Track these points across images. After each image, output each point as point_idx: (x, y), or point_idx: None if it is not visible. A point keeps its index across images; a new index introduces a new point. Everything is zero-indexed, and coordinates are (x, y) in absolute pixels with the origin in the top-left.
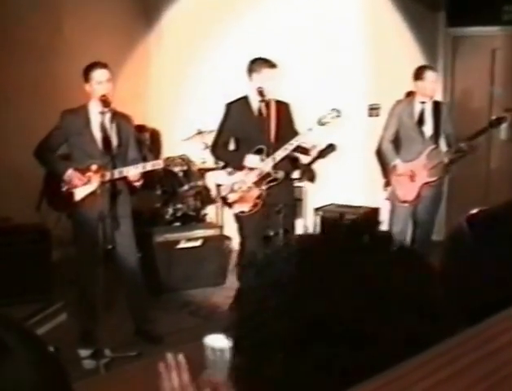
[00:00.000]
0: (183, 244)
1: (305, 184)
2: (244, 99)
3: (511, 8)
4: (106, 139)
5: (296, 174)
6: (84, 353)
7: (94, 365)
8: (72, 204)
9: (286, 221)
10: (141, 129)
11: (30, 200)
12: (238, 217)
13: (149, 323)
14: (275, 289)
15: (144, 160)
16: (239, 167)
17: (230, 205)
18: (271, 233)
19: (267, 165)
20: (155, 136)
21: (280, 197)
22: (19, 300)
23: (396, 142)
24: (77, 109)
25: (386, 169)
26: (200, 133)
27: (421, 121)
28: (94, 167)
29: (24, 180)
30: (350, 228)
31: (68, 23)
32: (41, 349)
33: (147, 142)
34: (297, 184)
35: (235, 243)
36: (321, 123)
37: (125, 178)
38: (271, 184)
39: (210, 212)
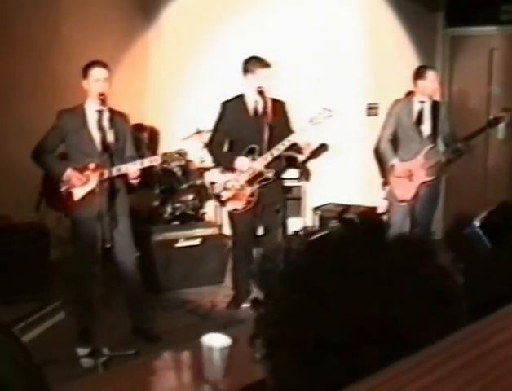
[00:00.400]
0: (181, 243)
1: (303, 183)
2: (240, 98)
3: (509, 8)
4: (103, 138)
5: (293, 174)
6: (82, 351)
7: (93, 363)
8: (72, 203)
9: (279, 220)
10: (139, 127)
11: (29, 199)
12: (231, 215)
13: (147, 322)
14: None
15: (142, 158)
16: (230, 169)
17: (223, 203)
18: (262, 231)
19: (259, 164)
20: (153, 135)
21: (270, 196)
22: (17, 298)
23: (394, 142)
24: (73, 108)
25: (384, 169)
26: (198, 132)
27: (419, 121)
28: (92, 165)
29: (23, 178)
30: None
31: (67, 21)
32: (13, 347)
33: (146, 140)
34: (295, 183)
35: None
36: (313, 123)
37: (123, 176)
38: (264, 183)
39: (209, 211)
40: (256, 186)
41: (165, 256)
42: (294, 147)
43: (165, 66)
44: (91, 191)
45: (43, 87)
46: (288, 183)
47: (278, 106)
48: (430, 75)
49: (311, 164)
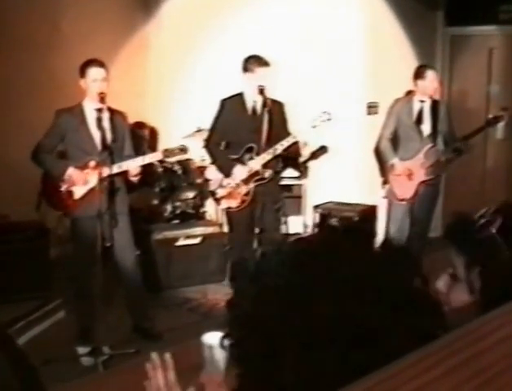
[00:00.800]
0: (182, 242)
1: (304, 181)
2: (239, 96)
3: (508, 8)
4: (103, 136)
5: (293, 172)
6: (82, 350)
7: (93, 362)
8: (72, 202)
9: (276, 219)
10: (140, 126)
11: (28, 198)
12: (228, 213)
13: (148, 321)
14: (268, 295)
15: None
16: (226, 172)
17: (218, 201)
18: (259, 230)
19: (256, 164)
20: (154, 133)
21: (268, 195)
22: (17, 297)
23: (394, 141)
24: (71, 107)
25: (384, 168)
26: (199, 130)
27: (419, 120)
28: (92, 164)
29: (22, 177)
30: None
31: (65, 18)
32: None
33: (147, 138)
34: (295, 182)
35: None
36: (312, 126)
37: (123, 174)
38: (259, 182)
39: (210, 209)
40: (252, 185)
41: (166, 254)
42: (292, 147)
43: (164, 64)
44: (91, 190)
45: (42, 85)
46: (288, 182)
47: (277, 106)
48: (430, 75)
49: (310, 163)
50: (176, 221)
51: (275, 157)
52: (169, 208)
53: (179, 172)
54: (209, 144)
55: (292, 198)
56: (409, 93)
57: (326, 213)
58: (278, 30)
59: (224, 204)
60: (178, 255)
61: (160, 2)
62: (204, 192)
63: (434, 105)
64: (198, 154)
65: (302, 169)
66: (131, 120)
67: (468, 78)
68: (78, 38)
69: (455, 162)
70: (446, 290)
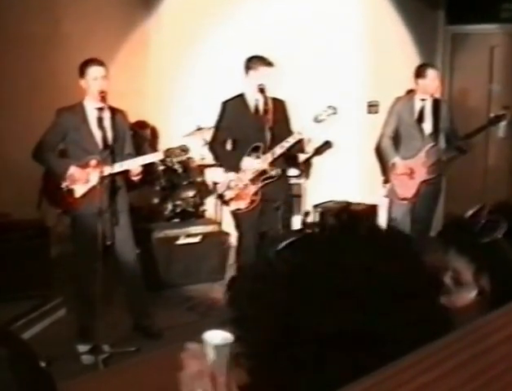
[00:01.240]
0: (182, 240)
1: (304, 181)
2: (241, 97)
3: (510, 6)
4: (104, 135)
5: (294, 171)
6: (83, 348)
7: (93, 360)
8: (73, 200)
9: (283, 218)
10: (142, 125)
11: (29, 196)
12: (235, 214)
13: (148, 319)
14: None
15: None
16: (235, 169)
17: (227, 203)
18: (267, 229)
19: (263, 163)
20: (155, 132)
21: (276, 194)
22: (18, 295)
23: (396, 140)
24: (72, 106)
25: (385, 167)
26: (199, 129)
27: (420, 119)
28: (93, 162)
29: (23, 176)
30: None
31: (66, 17)
32: (17, 347)
33: (148, 137)
34: (296, 181)
35: (234, 239)
36: (317, 120)
37: (124, 173)
38: (267, 181)
39: (209, 208)
40: (259, 184)
41: (166, 253)
42: (297, 144)
43: (164, 61)
44: (92, 188)
45: (43, 84)
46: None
47: (278, 105)
48: (431, 74)
49: (312, 160)
50: (176, 220)
51: (281, 155)
52: (169, 206)
53: (180, 171)
54: (213, 144)
55: (292, 197)
56: (410, 92)
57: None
58: (279, 28)
59: (233, 205)
60: (179, 253)
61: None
62: (204, 191)
63: (436, 104)
64: (198, 153)
65: (303, 168)
66: (132, 118)
67: (469, 77)
68: (79, 37)
69: (456, 161)
70: (446, 293)
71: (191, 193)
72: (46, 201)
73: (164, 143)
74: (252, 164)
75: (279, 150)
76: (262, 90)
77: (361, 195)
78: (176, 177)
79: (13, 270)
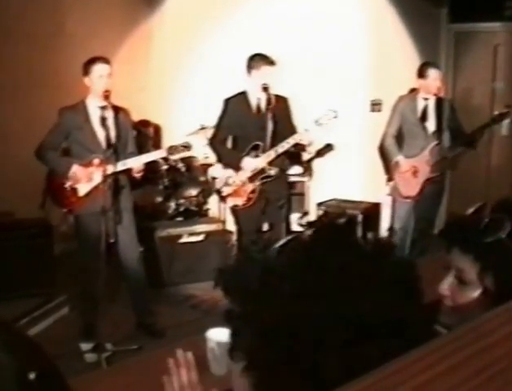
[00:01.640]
0: (185, 239)
1: (307, 179)
2: (243, 95)
3: None
4: (107, 134)
5: (297, 169)
6: (86, 346)
7: (96, 358)
8: (76, 199)
9: (282, 216)
10: (145, 123)
11: (33, 195)
12: (234, 211)
13: (151, 317)
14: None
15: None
16: (234, 167)
17: (224, 199)
18: (266, 227)
19: (262, 161)
20: (158, 132)
21: (277, 193)
22: (21, 294)
23: (399, 138)
24: (74, 105)
25: (389, 165)
26: (203, 128)
27: (424, 117)
28: (96, 161)
29: (27, 175)
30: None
31: (70, 16)
32: (13, 332)
33: (151, 137)
34: (299, 179)
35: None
36: (318, 123)
37: (127, 172)
38: (265, 180)
39: (213, 207)
40: (257, 182)
41: (169, 251)
42: (298, 145)
43: (167, 60)
44: (96, 187)
45: (46, 83)
46: (291, 179)
47: (281, 102)
48: (433, 73)
49: (315, 160)
50: (180, 219)
51: (281, 154)
52: (172, 205)
53: (183, 169)
54: (214, 142)
55: (295, 195)
56: (413, 90)
57: (330, 210)
58: (281, 26)
59: (230, 201)
60: (182, 252)
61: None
62: (207, 190)
63: (439, 103)
64: (201, 151)
65: (306, 166)
66: (135, 117)
67: (473, 75)
68: (82, 36)
69: (460, 159)
70: (450, 292)
71: (194, 192)
72: (50, 200)
73: (168, 142)
74: (251, 165)
75: (279, 149)
76: (265, 89)
77: (364, 193)
78: (179, 176)
79: (17, 269)
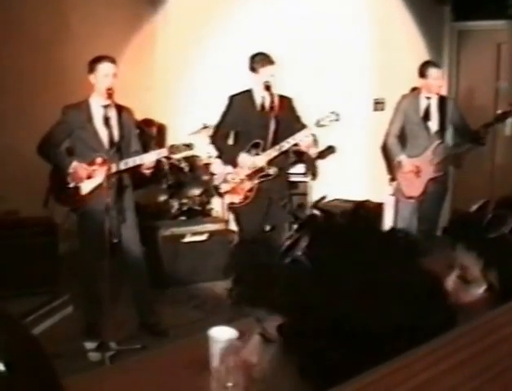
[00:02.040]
0: (188, 238)
1: (310, 179)
2: (249, 93)
3: None
4: (110, 133)
5: (300, 169)
6: (89, 345)
7: (100, 357)
8: (79, 198)
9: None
10: (148, 123)
11: (37, 194)
12: (232, 209)
13: (154, 317)
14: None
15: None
16: (232, 163)
17: (221, 195)
18: (268, 227)
19: (261, 160)
20: (162, 131)
21: (277, 192)
22: (25, 292)
23: (402, 138)
24: (78, 104)
25: (392, 165)
26: (205, 127)
27: (426, 117)
28: (99, 160)
29: (31, 173)
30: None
31: (74, 13)
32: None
33: (154, 136)
34: (302, 179)
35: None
36: (319, 125)
37: (130, 171)
38: (263, 179)
39: (216, 206)
40: (256, 181)
41: (172, 251)
42: (297, 145)
43: (171, 59)
44: (98, 186)
45: (51, 81)
46: (294, 179)
47: (285, 102)
48: (433, 73)
49: (317, 162)
50: (183, 218)
51: (282, 154)
52: (175, 204)
53: (186, 169)
54: (215, 137)
55: (298, 195)
56: (415, 89)
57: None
58: (284, 25)
59: (227, 198)
60: (185, 251)
61: None
62: (210, 189)
63: (442, 102)
64: (205, 151)
65: (310, 166)
66: (138, 116)
67: (476, 74)
68: (86, 33)
69: (465, 157)
70: (454, 290)
71: (197, 191)
72: (53, 199)
73: (171, 141)
74: (246, 162)
75: (278, 149)
76: (268, 88)
77: (367, 193)
78: (182, 175)
79: (21, 267)
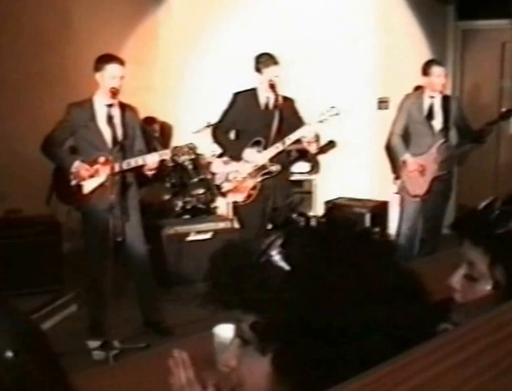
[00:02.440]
0: (192, 237)
1: (315, 177)
2: (253, 91)
3: None
4: (113, 132)
5: (304, 167)
6: (93, 344)
7: (104, 356)
8: (82, 197)
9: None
10: (151, 121)
11: (40, 192)
12: (235, 207)
13: (158, 315)
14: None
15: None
16: (236, 158)
17: (224, 194)
18: (270, 226)
19: (263, 158)
20: (165, 129)
21: (282, 189)
22: (29, 291)
23: (406, 137)
24: (82, 102)
25: (396, 164)
26: (209, 125)
27: (430, 115)
28: (102, 159)
29: (35, 172)
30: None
31: (77, 12)
32: (20, 319)
33: (157, 134)
34: (307, 177)
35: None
36: (320, 120)
37: (135, 170)
38: (266, 177)
39: (221, 204)
40: (258, 179)
41: (177, 249)
42: (300, 141)
43: (174, 56)
44: (102, 185)
45: (52, 79)
46: (299, 177)
47: (288, 102)
48: (436, 71)
49: (321, 158)
50: (187, 217)
51: (284, 151)
52: (180, 203)
53: (190, 167)
54: (217, 132)
55: (302, 193)
56: (418, 88)
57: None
58: (289, 23)
59: (231, 197)
60: (189, 250)
61: None
62: (214, 187)
63: (445, 100)
64: (208, 149)
65: (313, 163)
66: (141, 114)
67: (480, 72)
68: (89, 31)
69: (468, 156)
70: (460, 287)
71: (201, 190)
72: (56, 197)
73: (175, 140)
74: (253, 156)
75: (280, 146)
76: (272, 87)
77: (371, 191)
78: (186, 173)
79: (25, 266)
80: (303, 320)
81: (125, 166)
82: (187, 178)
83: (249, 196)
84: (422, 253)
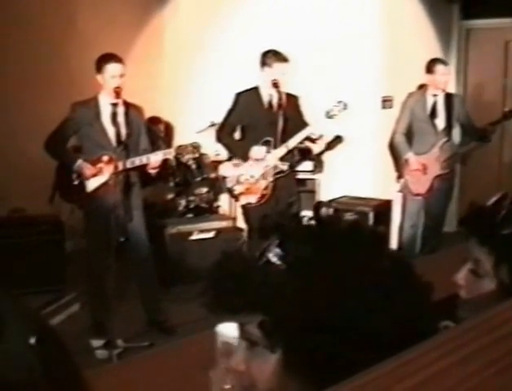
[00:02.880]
0: (195, 236)
1: (318, 176)
2: (255, 90)
3: None
4: (117, 131)
5: (307, 166)
6: (97, 343)
7: (107, 355)
8: (85, 195)
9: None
10: (156, 120)
11: (43, 191)
12: (245, 208)
13: (161, 314)
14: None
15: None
16: (244, 157)
17: (236, 197)
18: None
19: (274, 157)
20: (169, 128)
21: (285, 190)
22: (32, 290)
23: (409, 135)
24: (87, 101)
25: (399, 162)
26: (213, 125)
27: (433, 114)
28: (105, 158)
29: (37, 171)
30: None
31: (81, 12)
32: (36, 321)
33: (162, 134)
34: (310, 176)
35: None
36: (329, 116)
37: (139, 168)
38: (278, 176)
39: (223, 204)
40: (270, 179)
41: (180, 248)
42: (309, 139)
43: (180, 58)
44: (105, 184)
45: (58, 79)
46: (302, 176)
47: (292, 100)
48: (440, 69)
49: (325, 157)
50: (190, 216)
51: (292, 150)
52: (183, 202)
53: (193, 166)
54: (221, 134)
55: (306, 192)
56: (422, 87)
57: (340, 207)
58: (294, 21)
59: (243, 200)
60: (192, 249)
61: None
62: (217, 187)
63: (448, 99)
64: (212, 148)
65: (317, 163)
66: (146, 113)
67: (484, 71)
68: (94, 32)
69: (471, 154)
70: (465, 283)
71: (204, 189)
72: (59, 195)
73: (179, 139)
74: (261, 153)
75: (290, 144)
76: (276, 85)
77: (375, 189)
78: (190, 173)
79: (28, 265)
80: (307, 313)
81: (129, 165)
82: (190, 177)
83: (262, 197)
84: (424, 251)
